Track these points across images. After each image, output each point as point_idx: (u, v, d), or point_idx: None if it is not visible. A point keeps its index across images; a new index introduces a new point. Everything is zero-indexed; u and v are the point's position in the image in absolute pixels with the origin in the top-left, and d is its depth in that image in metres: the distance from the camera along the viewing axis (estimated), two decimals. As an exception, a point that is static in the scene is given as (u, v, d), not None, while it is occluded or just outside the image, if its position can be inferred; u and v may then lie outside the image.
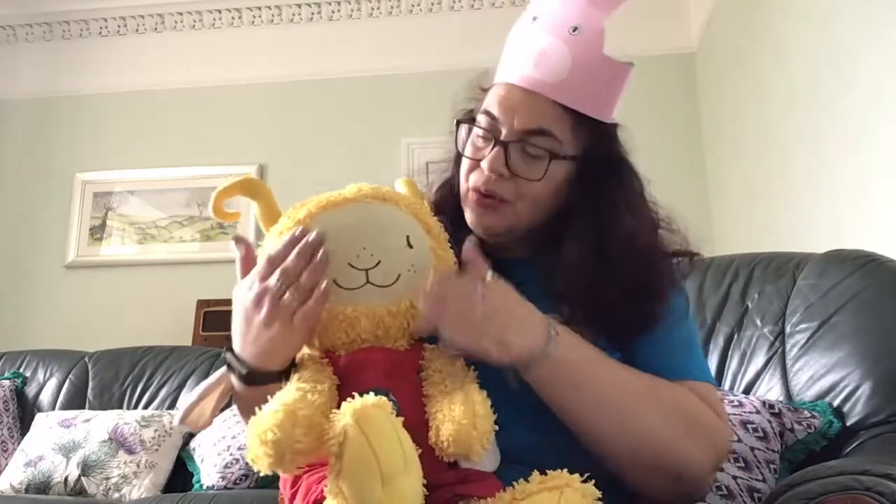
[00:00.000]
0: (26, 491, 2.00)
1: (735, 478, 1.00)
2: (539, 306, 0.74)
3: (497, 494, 0.62)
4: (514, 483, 0.61)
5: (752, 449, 1.03)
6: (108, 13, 3.53)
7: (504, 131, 0.80)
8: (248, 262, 0.73)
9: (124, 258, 3.32)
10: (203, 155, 3.36)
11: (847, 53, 1.82)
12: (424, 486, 0.55)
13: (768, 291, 1.22)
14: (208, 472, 1.91)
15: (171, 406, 2.28)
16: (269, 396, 0.62)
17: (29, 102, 3.56)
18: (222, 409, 2.00)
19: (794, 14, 2.15)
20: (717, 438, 0.75)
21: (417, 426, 0.62)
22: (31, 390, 2.42)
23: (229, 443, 1.94)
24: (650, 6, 3.17)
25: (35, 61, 3.61)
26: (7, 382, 2.37)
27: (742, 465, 1.01)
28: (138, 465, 2.01)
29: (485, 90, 0.86)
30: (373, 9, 3.46)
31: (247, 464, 1.87)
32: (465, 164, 0.84)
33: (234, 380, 0.72)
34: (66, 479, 2.00)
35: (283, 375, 0.68)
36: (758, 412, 1.07)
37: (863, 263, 1.11)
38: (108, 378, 2.40)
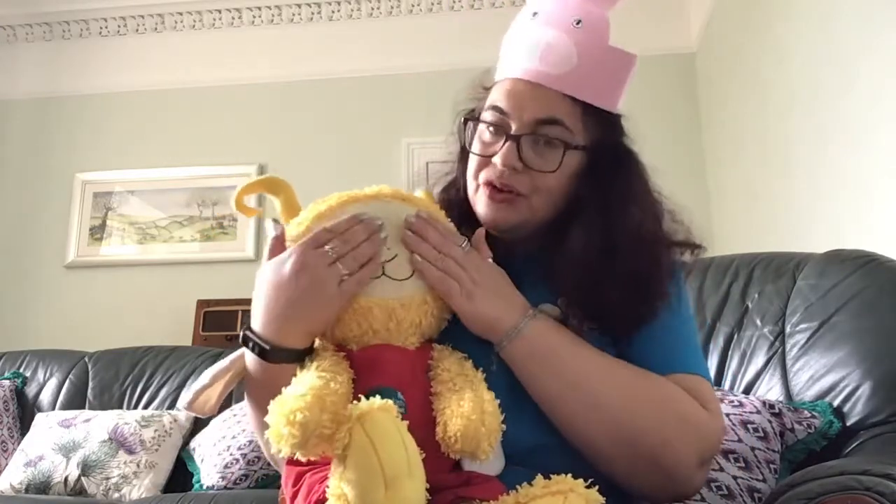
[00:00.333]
0: (26, 491, 2.00)
1: (735, 478, 1.00)
2: (540, 299, 0.74)
3: (500, 498, 0.61)
4: (518, 486, 0.61)
5: (753, 449, 1.03)
6: (108, 13, 3.53)
7: (514, 125, 0.79)
8: (278, 247, 0.75)
9: (124, 258, 3.32)
10: (203, 155, 3.37)
11: (847, 53, 1.82)
12: (427, 489, 0.55)
13: (768, 291, 1.22)
14: (208, 472, 1.91)
15: (171, 406, 2.28)
16: (281, 385, 0.62)
17: (29, 102, 3.56)
18: (222, 409, 2.01)
19: (794, 14, 2.15)
20: (703, 429, 0.73)
21: (424, 427, 0.63)
22: (31, 390, 2.42)
23: (229, 443, 1.94)
24: (650, 6, 3.17)
25: (35, 61, 3.61)
26: (7, 382, 2.37)
27: (742, 465, 1.01)
28: (138, 465, 2.01)
29: (487, 89, 0.86)
30: (373, 9, 3.46)
31: (247, 464, 1.87)
32: (472, 161, 0.84)
33: (249, 360, 0.73)
34: (66, 479, 2.00)
35: (300, 358, 0.70)
36: (758, 412, 1.07)
37: (863, 263, 1.11)
38: (108, 378, 2.39)
